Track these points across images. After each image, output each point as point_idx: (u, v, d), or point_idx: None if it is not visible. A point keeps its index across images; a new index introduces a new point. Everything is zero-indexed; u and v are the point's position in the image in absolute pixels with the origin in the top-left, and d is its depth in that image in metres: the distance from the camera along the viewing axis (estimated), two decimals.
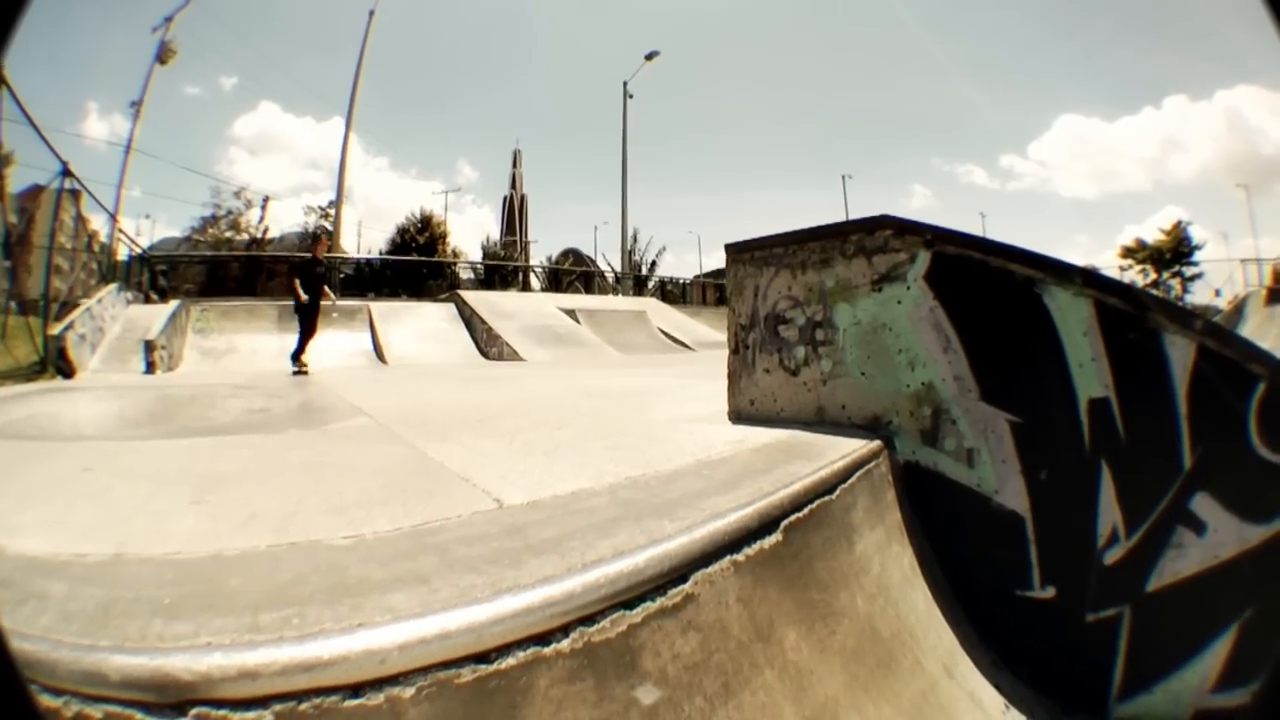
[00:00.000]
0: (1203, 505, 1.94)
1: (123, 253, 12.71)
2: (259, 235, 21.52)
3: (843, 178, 37.08)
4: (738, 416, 2.65)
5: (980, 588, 2.03)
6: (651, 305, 15.93)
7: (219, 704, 0.63)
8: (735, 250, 2.74)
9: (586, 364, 8.01)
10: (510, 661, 0.82)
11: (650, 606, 1.02)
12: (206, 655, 0.64)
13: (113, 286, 9.23)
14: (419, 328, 10.32)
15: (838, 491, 1.72)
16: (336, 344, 8.97)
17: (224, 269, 15.25)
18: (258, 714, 0.65)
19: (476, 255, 26.23)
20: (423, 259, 20.48)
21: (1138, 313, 1.98)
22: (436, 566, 0.95)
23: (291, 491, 1.49)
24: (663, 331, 12.76)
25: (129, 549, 1.00)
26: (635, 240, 26.16)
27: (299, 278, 6.97)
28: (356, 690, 0.71)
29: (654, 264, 27.86)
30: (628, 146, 20.77)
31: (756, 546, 1.32)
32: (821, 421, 2.37)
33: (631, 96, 20.93)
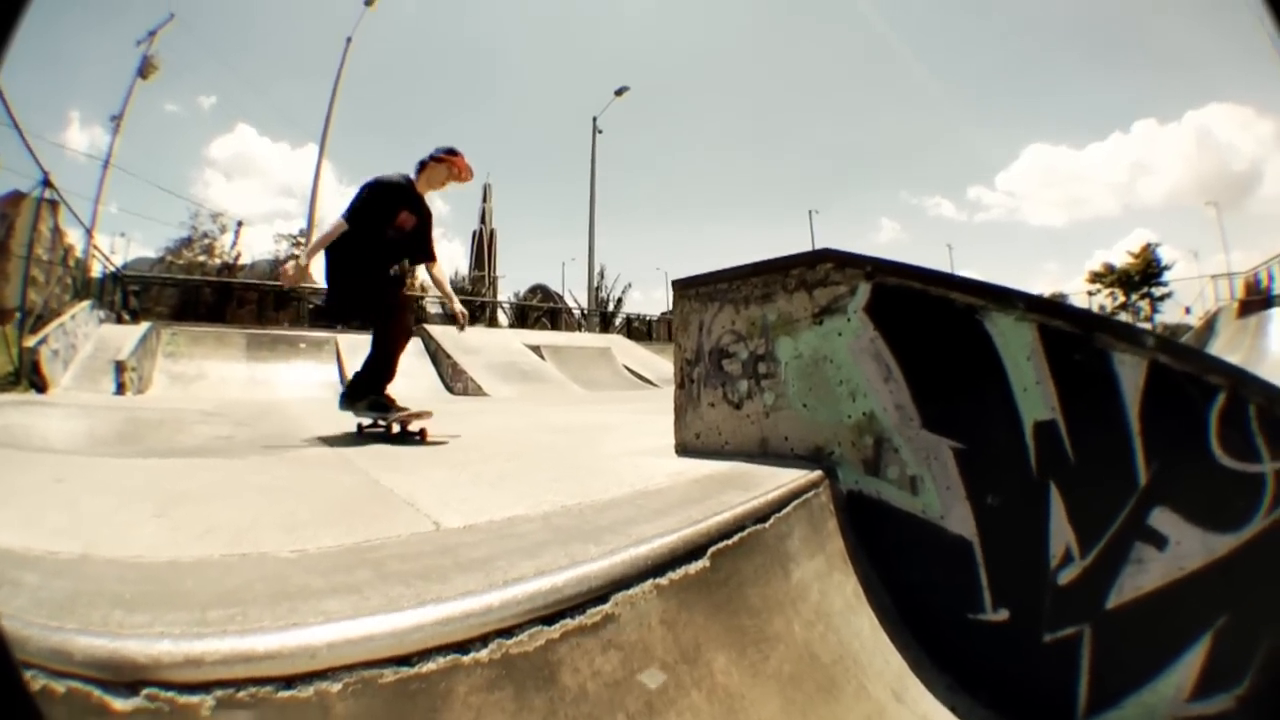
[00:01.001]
0: (1162, 519, 2.04)
1: (97, 270, 12.75)
2: (231, 261, 21.60)
3: (809, 213, 37.74)
4: (683, 450, 2.78)
5: (931, 613, 2.12)
6: (617, 342, 16.39)
7: (167, 686, 0.75)
8: (681, 286, 2.90)
9: (550, 400, 8.23)
10: (430, 666, 0.93)
11: (569, 624, 1.12)
12: (158, 642, 0.77)
13: (86, 303, 9.27)
14: None
15: (771, 520, 1.82)
16: (304, 375, 9.12)
17: (196, 293, 15.29)
18: (200, 698, 0.77)
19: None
20: None
21: (1084, 334, 2.11)
22: (370, 578, 1.07)
23: (248, 510, 1.60)
24: (627, 368, 13.21)
25: (96, 551, 1.13)
26: (602, 277, 27.55)
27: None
28: (289, 682, 0.82)
29: (620, 300, 29.08)
30: (596, 183, 21.44)
31: (681, 571, 1.40)
32: (765, 454, 2.50)
33: (600, 132, 21.63)
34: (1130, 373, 2.06)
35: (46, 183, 7.58)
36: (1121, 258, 33.30)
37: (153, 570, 1.05)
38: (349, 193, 3.62)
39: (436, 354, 10.94)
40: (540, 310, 26.41)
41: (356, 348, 10.22)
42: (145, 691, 0.74)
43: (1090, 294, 32.45)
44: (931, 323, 2.24)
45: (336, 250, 3.38)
